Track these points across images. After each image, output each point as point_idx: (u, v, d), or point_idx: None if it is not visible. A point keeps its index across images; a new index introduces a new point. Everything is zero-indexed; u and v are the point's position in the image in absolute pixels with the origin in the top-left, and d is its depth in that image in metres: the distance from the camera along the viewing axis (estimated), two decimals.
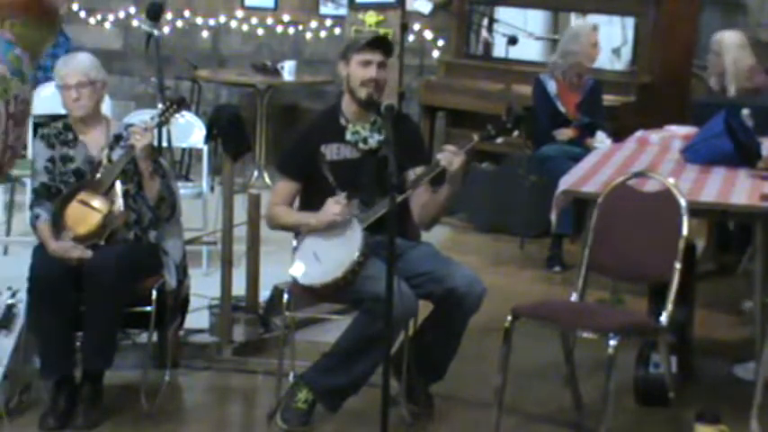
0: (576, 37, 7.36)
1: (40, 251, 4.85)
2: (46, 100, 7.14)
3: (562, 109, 7.34)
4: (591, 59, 7.40)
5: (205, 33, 9.71)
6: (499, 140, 4.76)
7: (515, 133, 4.73)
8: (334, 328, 5.12)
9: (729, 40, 7.04)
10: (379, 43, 4.79)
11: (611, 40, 8.16)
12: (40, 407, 4.78)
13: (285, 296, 4.80)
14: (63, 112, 5.14)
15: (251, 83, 8.93)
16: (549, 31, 8.49)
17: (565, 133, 7.25)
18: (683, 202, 4.70)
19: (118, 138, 5.03)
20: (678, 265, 4.61)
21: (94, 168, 4.98)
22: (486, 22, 8.70)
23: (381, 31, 8.67)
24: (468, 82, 8.48)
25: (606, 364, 4.43)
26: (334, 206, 4.64)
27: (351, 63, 4.76)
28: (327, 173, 4.74)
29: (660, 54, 8.03)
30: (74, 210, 4.87)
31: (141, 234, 5.00)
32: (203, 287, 5.75)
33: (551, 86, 7.35)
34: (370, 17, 9.09)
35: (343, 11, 9.30)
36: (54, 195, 4.96)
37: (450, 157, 4.60)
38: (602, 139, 7.11)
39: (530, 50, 8.37)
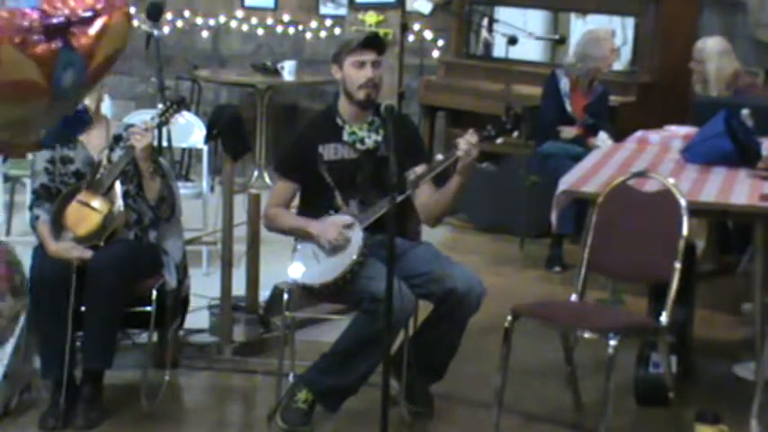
0: (597, 42, 7.35)
1: (40, 252, 4.85)
2: None
3: (569, 108, 7.35)
4: (608, 65, 7.42)
5: (205, 33, 9.71)
6: (499, 141, 4.76)
7: (515, 134, 4.73)
8: (334, 328, 5.12)
9: (711, 49, 7.05)
10: (372, 42, 4.78)
11: None
12: (40, 407, 4.78)
13: (285, 296, 4.81)
14: None
15: (251, 83, 8.93)
16: (549, 31, 8.49)
17: (569, 131, 7.26)
18: (683, 202, 4.71)
19: (118, 138, 5.04)
20: (678, 265, 4.61)
21: (94, 169, 4.98)
22: (486, 22, 8.70)
23: (381, 31, 8.66)
24: (469, 82, 8.48)
25: (606, 365, 4.43)
26: (333, 230, 4.64)
27: (344, 66, 4.76)
28: (325, 173, 4.75)
29: (660, 54, 8.03)
30: (73, 210, 4.87)
31: (141, 234, 5.00)
32: (203, 287, 5.75)
33: (564, 83, 7.35)
34: (370, 17, 9.09)
35: (343, 11, 9.30)
36: (54, 196, 4.96)
37: (467, 146, 4.59)
38: (603, 139, 7.11)
39: (530, 50, 8.37)
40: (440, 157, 4.74)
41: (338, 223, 4.68)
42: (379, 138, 4.78)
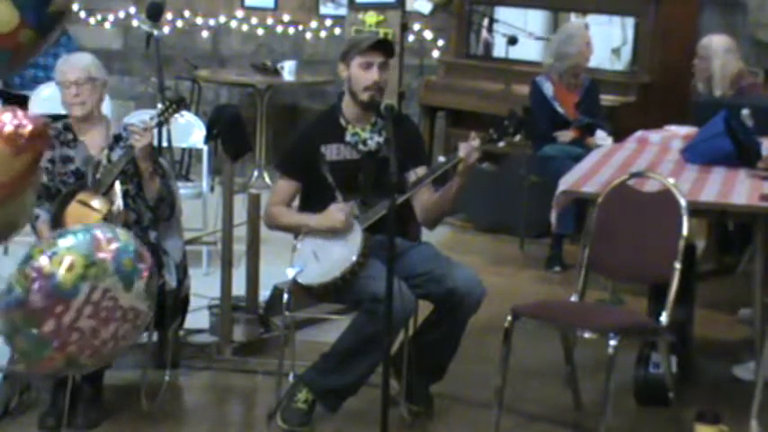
0: (570, 38, 7.35)
1: None
2: (46, 100, 7.15)
3: (560, 110, 7.34)
4: (586, 59, 7.41)
5: (205, 33, 9.71)
6: (501, 144, 4.77)
7: (517, 137, 4.74)
8: (334, 328, 5.12)
9: (717, 45, 7.02)
10: (381, 45, 4.78)
11: (611, 40, 8.16)
12: (40, 407, 4.79)
13: (285, 296, 4.81)
14: (63, 112, 5.14)
15: (251, 83, 8.93)
16: (548, 31, 8.48)
17: (566, 135, 7.25)
18: (683, 202, 4.71)
19: (117, 138, 5.04)
20: (678, 265, 4.61)
21: (94, 168, 4.98)
22: (486, 22, 8.70)
23: (381, 31, 8.66)
24: (468, 82, 8.48)
25: (606, 365, 4.43)
26: (338, 214, 4.63)
27: (351, 65, 4.75)
28: (327, 173, 4.74)
29: (660, 54, 8.03)
30: (73, 210, 4.87)
31: (141, 234, 4.99)
32: (203, 287, 5.75)
33: (548, 88, 7.34)
34: (370, 17, 9.09)
35: (343, 11, 9.30)
36: (53, 196, 4.96)
37: (469, 149, 4.59)
38: (603, 137, 7.11)
39: (530, 50, 8.37)
40: (441, 159, 4.74)
41: (336, 207, 4.66)
42: (382, 139, 4.78)
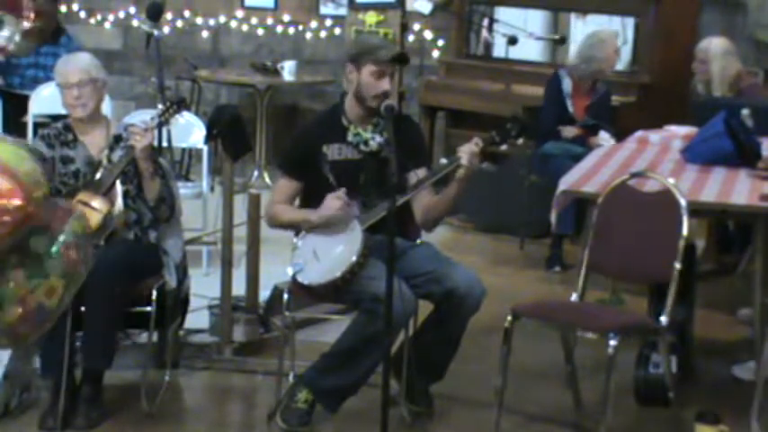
0: (601, 43, 7.34)
1: None
2: (46, 100, 7.14)
3: (570, 108, 7.34)
4: (611, 66, 7.41)
5: (205, 33, 9.72)
6: (503, 147, 4.79)
7: (520, 141, 4.75)
8: (334, 328, 5.12)
9: (716, 48, 7.01)
10: (400, 58, 4.80)
11: None
12: (40, 407, 4.79)
13: (285, 296, 4.81)
14: (63, 112, 5.14)
15: (251, 83, 8.94)
16: (549, 31, 8.50)
17: (570, 131, 7.25)
18: (683, 202, 4.71)
19: (118, 138, 5.03)
20: (678, 265, 4.61)
21: (94, 169, 4.98)
22: (486, 22, 8.71)
23: (381, 31, 8.67)
24: (468, 82, 8.49)
25: (606, 364, 4.43)
26: (334, 201, 4.63)
27: (363, 71, 4.72)
28: (329, 173, 4.74)
29: (660, 54, 8.04)
30: None
31: (141, 234, 5.00)
32: (203, 287, 5.74)
33: (566, 84, 7.35)
34: (371, 17, 9.09)
35: (343, 11, 9.30)
36: (54, 196, 4.95)
37: (470, 153, 4.60)
38: (606, 138, 7.11)
39: (530, 50, 8.38)
40: (443, 161, 4.74)
41: (332, 195, 4.65)
42: (384, 140, 4.78)
